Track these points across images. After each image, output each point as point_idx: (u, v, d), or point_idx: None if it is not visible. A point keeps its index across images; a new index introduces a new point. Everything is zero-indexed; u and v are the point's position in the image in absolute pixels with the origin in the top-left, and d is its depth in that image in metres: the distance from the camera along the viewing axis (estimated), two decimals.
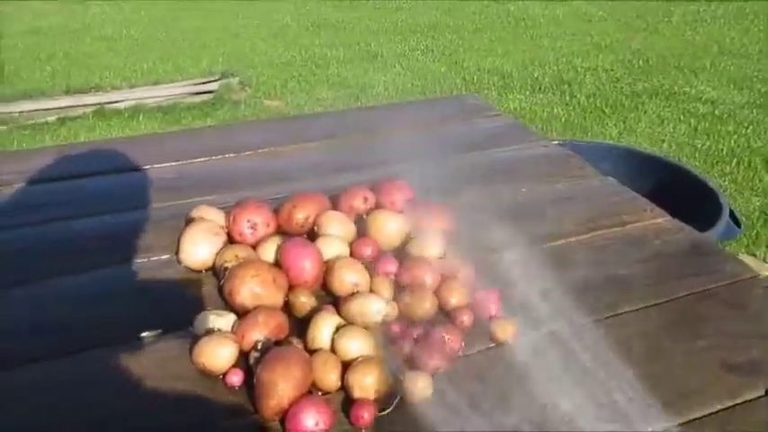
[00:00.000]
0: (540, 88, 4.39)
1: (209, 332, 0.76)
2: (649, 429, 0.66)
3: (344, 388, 0.70)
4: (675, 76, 4.54)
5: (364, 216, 0.98)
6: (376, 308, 0.78)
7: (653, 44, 5.40)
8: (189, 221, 0.98)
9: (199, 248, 0.92)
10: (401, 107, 2.10)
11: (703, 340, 0.79)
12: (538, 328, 0.80)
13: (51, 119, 4.08)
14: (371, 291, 0.84)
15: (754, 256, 2.42)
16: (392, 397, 0.69)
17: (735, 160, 3.17)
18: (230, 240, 0.95)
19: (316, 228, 0.95)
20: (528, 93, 4.32)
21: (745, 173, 3.05)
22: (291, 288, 0.84)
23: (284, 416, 0.66)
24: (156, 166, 1.27)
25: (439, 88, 4.46)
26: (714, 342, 0.79)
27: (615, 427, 0.66)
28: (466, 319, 0.80)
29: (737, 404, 0.70)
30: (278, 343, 0.75)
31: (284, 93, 4.52)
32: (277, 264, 0.88)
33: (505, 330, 0.78)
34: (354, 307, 0.78)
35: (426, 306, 0.81)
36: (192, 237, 0.92)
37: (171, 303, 0.87)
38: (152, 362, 0.76)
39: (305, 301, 0.81)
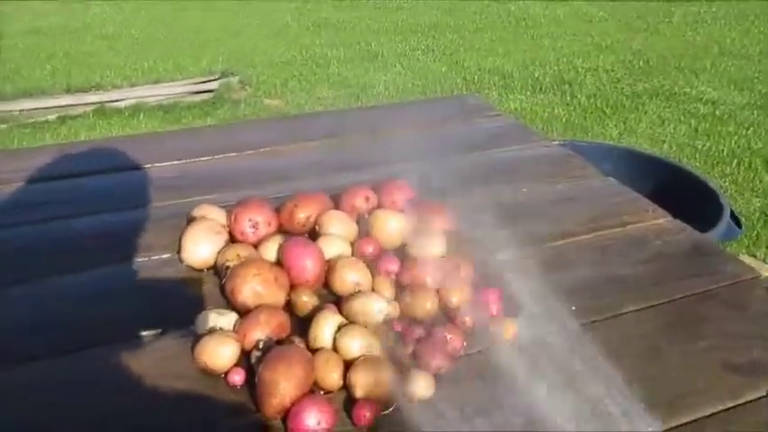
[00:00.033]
0: (540, 88, 4.39)
1: (211, 331, 0.76)
2: (650, 429, 0.66)
3: (346, 387, 0.70)
4: (676, 76, 4.54)
5: (366, 215, 0.98)
6: (377, 307, 0.78)
7: (654, 45, 5.40)
8: (190, 220, 0.98)
9: (200, 247, 0.92)
10: (402, 107, 2.10)
11: (704, 341, 0.79)
12: (539, 328, 0.80)
13: (52, 117, 4.08)
14: (373, 290, 0.84)
15: (755, 256, 2.43)
16: (394, 396, 0.69)
17: (735, 161, 3.17)
18: (232, 239, 0.95)
19: (317, 227, 0.95)
20: (529, 93, 4.32)
21: (745, 174, 3.05)
22: (293, 287, 0.84)
23: (286, 415, 0.66)
24: (156, 164, 1.27)
25: (439, 88, 4.46)
26: (715, 342, 0.79)
27: (615, 427, 0.66)
28: (467, 318, 0.80)
29: (739, 405, 0.70)
30: (280, 342, 0.75)
31: (284, 92, 4.52)
32: (279, 263, 0.87)
33: (507, 330, 0.78)
34: (356, 306, 0.78)
35: (428, 306, 0.81)
36: (194, 236, 0.92)
37: (172, 302, 0.87)
38: (153, 360, 0.76)
39: (306, 301, 0.81)
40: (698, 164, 3.14)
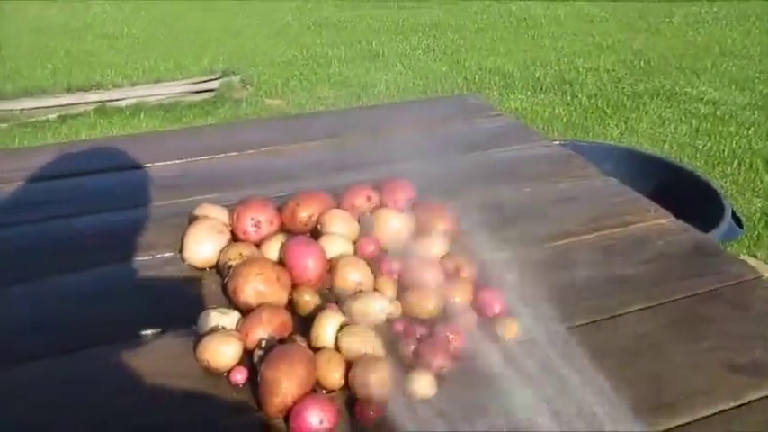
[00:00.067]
0: (541, 88, 4.40)
1: (213, 330, 0.76)
2: (651, 429, 0.66)
3: (348, 386, 0.70)
4: (677, 76, 4.54)
5: (367, 215, 0.98)
6: (379, 306, 0.78)
7: (654, 45, 5.40)
8: (192, 219, 0.98)
9: (202, 246, 0.91)
10: (403, 106, 2.10)
11: (707, 341, 0.79)
12: (541, 328, 0.80)
13: (52, 116, 4.08)
14: (375, 289, 0.84)
15: (756, 257, 2.43)
16: (396, 395, 0.69)
17: (736, 161, 3.18)
18: (234, 238, 0.95)
19: (319, 226, 0.95)
20: (529, 93, 4.33)
21: (746, 174, 3.05)
22: (295, 286, 0.84)
23: (288, 414, 0.66)
24: (157, 164, 1.27)
25: (440, 88, 4.46)
26: (718, 343, 0.79)
27: (616, 427, 0.66)
28: (470, 318, 0.79)
29: (742, 404, 0.69)
30: (282, 341, 0.75)
31: (285, 92, 4.52)
32: (281, 262, 0.88)
33: (509, 329, 0.78)
34: (358, 305, 0.78)
35: (429, 305, 0.81)
36: (196, 235, 0.92)
37: (174, 301, 0.87)
38: (155, 360, 0.76)
39: (309, 300, 0.81)
40: (699, 164, 3.14)
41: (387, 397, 0.68)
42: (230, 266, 0.86)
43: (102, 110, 4.17)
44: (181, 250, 0.94)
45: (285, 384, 0.66)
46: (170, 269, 0.94)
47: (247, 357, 0.74)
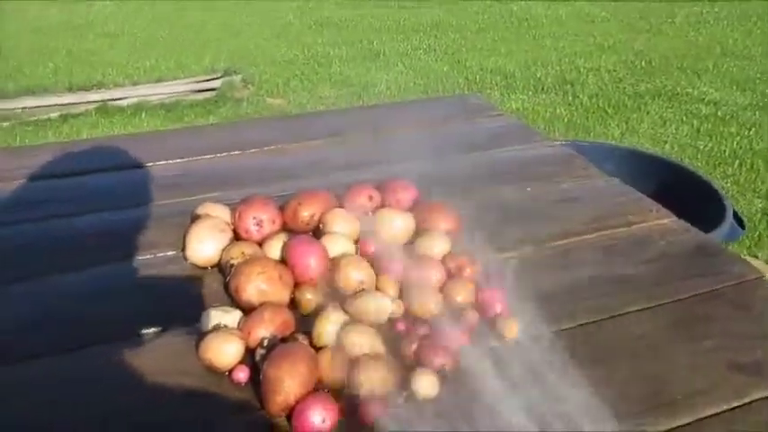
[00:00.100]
0: (542, 88, 4.40)
1: (216, 328, 0.76)
2: (652, 429, 0.66)
3: (350, 385, 0.70)
4: (678, 77, 4.54)
5: (370, 214, 0.98)
6: (381, 306, 0.78)
7: (656, 45, 5.40)
8: (194, 218, 0.98)
9: (205, 245, 0.92)
10: (404, 106, 2.10)
11: (709, 340, 0.79)
12: (543, 328, 0.80)
13: (54, 115, 4.08)
14: (377, 289, 0.84)
15: (756, 257, 2.42)
16: (398, 394, 0.69)
17: (737, 162, 3.17)
18: (236, 237, 0.95)
19: (321, 225, 0.95)
20: (530, 93, 4.33)
21: (747, 175, 3.05)
22: (297, 285, 0.84)
23: (290, 412, 0.66)
24: (159, 163, 1.27)
25: (441, 87, 4.46)
26: (720, 342, 0.79)
27: (618, 426, 0.66)
28: (472, 317, 0.80)
29: (744, 404, 0.70)
30: (284, 340, 0.75)
31: (287, 91, 4.52)
32: (283, 261, 0.88)
33: (511, 329, 0.78)
34: (360, 305, 0.78)
35: (432, 305, 0.81)
36: (198, 233, 0.92)
37: (176, 300, 0.87)
38: (157, 358, 0.76)
39: (310, 298, 0.81)
40: (700, 164, 3.14)
41: (389, 396, 0.68)
42: (232, 265, 0.86)
43: (104, 109, 4.18)
44: (183, 249, 0.94)
45: (287, 383, 0.66)
46: (172, 268, 0.94)
47: (249, 356, 0.74)
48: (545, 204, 1.13)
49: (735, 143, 3.40)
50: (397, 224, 0.95)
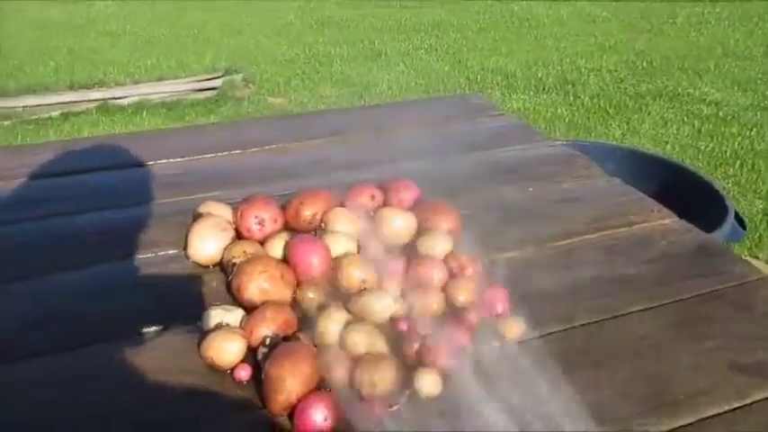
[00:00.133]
0: (543, 88, 4.39)
1: (218, 327, 0.76)
2: (653, 429, 0.66)
3: (352, 384, 0.70)
4: (679, 77, 4.54)
5: (372, 213, 0.98)
6: (384, 305, 0.78)
7: (657, 45, 5.40)
8: (196, 217, 0.98)
9: (206, 244, 0.91)
10: (405, 105, 2.10)
11: (710, 341, 0.79)
12: (544, 328, 0.80)
13: (55, 114, 4.09)
14: (379, 288, 0.83)
15: (757, 258, 2.42)
16: (400, 393, 0.69)
17: (738, 162, 3.17)
18: (238, 236, 0.95)
19: (323, 224, 0.95)
20: (532, 93, 4.33)
21: (748, 175, 3.05)
22: (299, 284, 0.84)
23: (292, 411, 0.66)
24: (160, 162, 1.27)
25: (442, 87, 4.46)
26: (721, 343, 0.79)
27: (617, 426, 0.66)
28: (473, 317, 0.79)
29: (745, 405, 0.69)
30: (286, 339, 0.75)
31: (288, 90, 4.52)
32: (285, 260, 0.88)
33: (513, 329, 0.78)
34: (362, 304, 0.78)
35: (434, 304, 0.81)
36: (200, 232, 0.92)
37: (178, 298, 0.87)
38: (159, 357, 0.76)
39: (313, 297, 0.81)
40: (701, 165, 3.14)
41: (391, 395, 0.68)
42: (234, 264, 0.86)
43: (105, 107, 4.18)
44: (185, 247, 0.94)
45: (289, 382, 0.66)
46: (173, 266, 0.94)
47: (251, 355, 0.74)
48: (546, 204, 1.13)
49: (736, 144, 3.40)
50: (398, 223, 0.95)
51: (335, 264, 0.86)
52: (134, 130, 3.60)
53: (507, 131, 1.45)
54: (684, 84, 4.39)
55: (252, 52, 5.45)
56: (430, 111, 1.64)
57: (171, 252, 0.97)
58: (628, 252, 0.98)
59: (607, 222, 1.05)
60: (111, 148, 1.35)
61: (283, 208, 0.98)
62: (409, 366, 0.71)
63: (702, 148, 3.36)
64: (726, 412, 0.69)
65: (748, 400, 0.70)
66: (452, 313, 0.81)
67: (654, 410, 0.68)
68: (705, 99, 4.08)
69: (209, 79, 4.60)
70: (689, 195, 1.64)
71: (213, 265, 0.92)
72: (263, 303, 0.79)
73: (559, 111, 3.95)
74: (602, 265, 0.94)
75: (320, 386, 0.70)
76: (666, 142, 3.46)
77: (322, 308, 0.79)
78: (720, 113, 3.82)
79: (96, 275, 0.92)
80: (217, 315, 0.77)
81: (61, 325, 0.82)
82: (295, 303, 0.82)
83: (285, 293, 0.82)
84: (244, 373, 0.72)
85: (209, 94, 4.42)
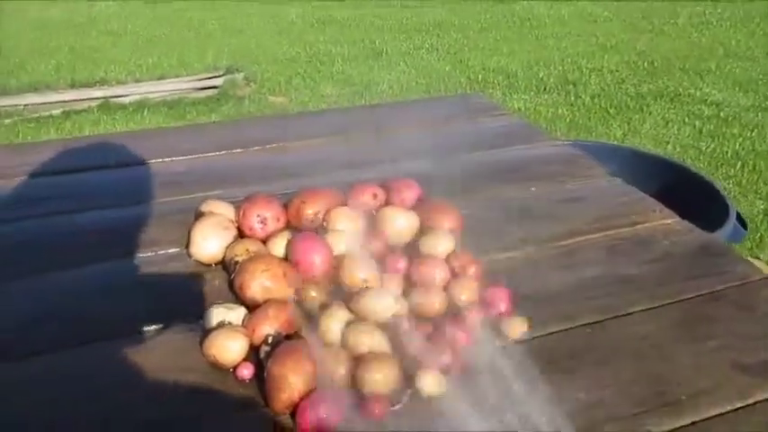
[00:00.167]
0: (544, 88, 4.39)
1: (220, 325, 0.76)
2: (655, 429, 0.66)
3: (354, 383, 0.70)
4: (680, 77, 4.53)
5: (374, 212, 0.98)
6: (386, 304, 0.78)
7: (658, 46, 5.39)
8: (198, 215, 0.98)
9: (209, 242, 0.91)
10: (406, 105, 2.10)
11: (713, 341, 0.79)
12: (547, 327, 0.80)
13: (56, 112, 4.08)
14: (381, 287, 0.83)
15: (758, 258, 2.42)
16: (402, 392, 0.69)
17: (739, 163, 3.17)
18: (240, 235, 0.95)
19: (325, 223, 0.95)
20: (533, 93, 4.32)
21: (749, 176, 3.05)
22: (301, 283, 0.84)
23: (295, 409, 0.66)
24: (161, 160, 1.27)
25: (443, 87, 4.46)
26: (724, 343, 0.79)
27: (618, 425, 0.66)
28: (475, 316, 0.79)
29: (747, 405, 0.69)
30: (288, 337, 0.75)
31: (289, 89, 4.52)
32: (287, 258, 0.88)
33: (515, 328, 0.78)
34: (364, 303, 0.78)
35: (436, 303, 0.81)
36: (203, 230, 0.92)
37: (180, 297, 0.87)
38: (161, 355, 0.76)
39: (315, 296, 0.81)
40: (702, 165, 3.13)
41: (393, 394, 0.68)
42: (236, 262, 0.86)
43: (106, 106, 4.18)
44: (187, 246, 0.94)
45: (292, 380, 0.66)
46: (174, 265, 0.94)
47: (254, 353, 0.74)
48: (548, 204, 1.12)
49: (737, 144, 3.39)
50: (400, 223, 0.95)
51: (337, 262, 0.86)
52: (135, 129, 3.59)
53: (509, 131, 1.45)
54: (686, 84, 4.38)
55: (253, 51, 5.45)
56: (431, 110, 1.64)
57: (172, 251, 0.96)
58: (630, 252, 0.98)
59: (609, 222, 1.05)
60: (112, 146, 1.35)
61: (285, 207, 0.98)
62: (411, 366, 0.71)
63: (703, 148, 3.36)
64: (728, 412, 0.69)
65: (750, 401, 0.70)
66: (454, 313, 0.81)
67: (656, 410, 0.68)
68: (706, 100, 4.07)
69: (210, 78, 4.59)
70: (690, 196, 1.64)
71: (215, 264, 0.92)
72: (266, 302, 0.79)
73: (560, 111, 3.95)
74: (604, 265, 0.94)
75: (322, 385, 0.70)
76: (667, 143, 3.45)
77: (324, 306, 0.79)
78: (722, 114, 3.82)
79: (97, 274, 0.92)
80: (219, 313, 0.77)
81: (61, 323, 0.82)
82: (297, 302, 0.82)
83: (287, 292, 0.82)
84: (246, 372, 0.72)
85: (210, 92, 4.41)
